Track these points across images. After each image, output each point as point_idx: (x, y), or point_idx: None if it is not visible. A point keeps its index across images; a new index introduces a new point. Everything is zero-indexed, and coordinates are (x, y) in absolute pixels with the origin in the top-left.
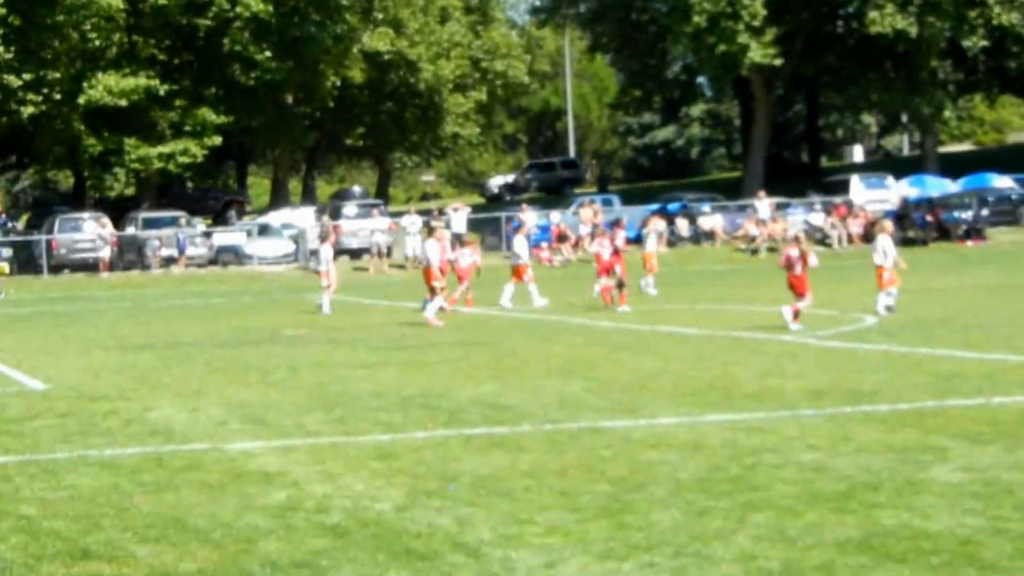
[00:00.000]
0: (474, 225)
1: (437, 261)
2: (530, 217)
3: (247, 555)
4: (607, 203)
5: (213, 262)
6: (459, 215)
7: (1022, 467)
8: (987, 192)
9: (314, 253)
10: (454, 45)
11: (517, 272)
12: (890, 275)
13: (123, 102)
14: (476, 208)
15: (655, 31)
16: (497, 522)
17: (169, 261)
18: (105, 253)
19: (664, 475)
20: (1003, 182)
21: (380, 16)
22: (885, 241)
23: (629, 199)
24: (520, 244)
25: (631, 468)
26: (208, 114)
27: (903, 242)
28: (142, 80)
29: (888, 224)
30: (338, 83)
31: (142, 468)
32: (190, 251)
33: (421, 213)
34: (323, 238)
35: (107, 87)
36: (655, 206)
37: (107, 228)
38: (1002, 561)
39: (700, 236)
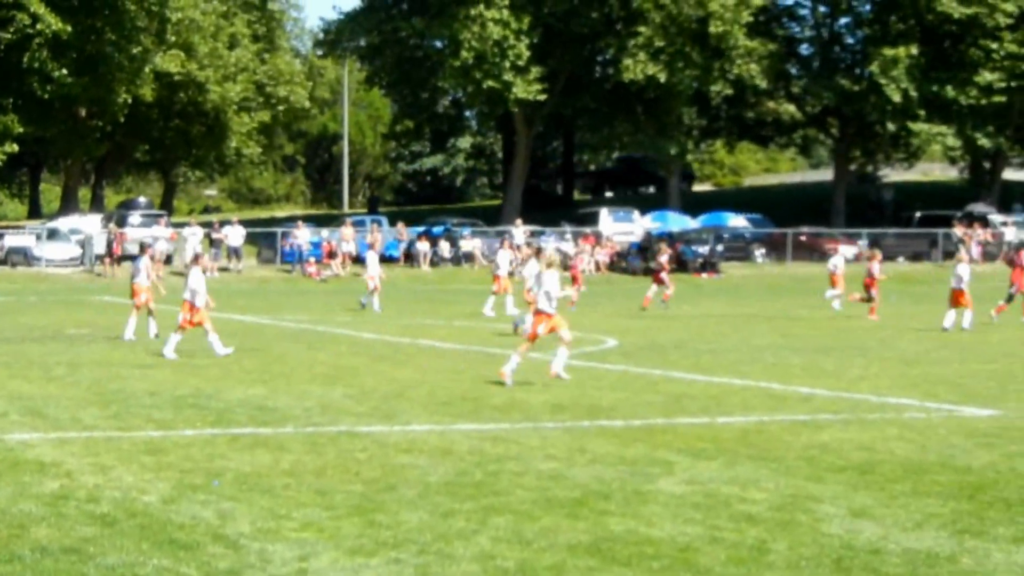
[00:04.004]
0: (251, 239)
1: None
2: (303, 234)
3: (18, 540)
4: (377, 223)
5: (3, 263)
6: (235, 229)
7: (739, 481)
8: (723, 230)
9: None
10: (241, 70)
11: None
12: (968, 298)
13: None
14: (253, 222)
15: (428, 67)
16: (256, 516)
17: None
18: None
19: (414, 478)
20: (738, 221)
21: (172, 39)
22: (963, 269)
23: (397, 221)
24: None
25: (384, 470)
26: (11, 122)
27: (644, 272)
28: None
29: (965, 255)
30: (130, 100)
31: None
32: None
33: (202, 225)
34: (371, 246)
35: None
36: (420, 229)
37: None
38: (716, 567)
39: (461, 258)
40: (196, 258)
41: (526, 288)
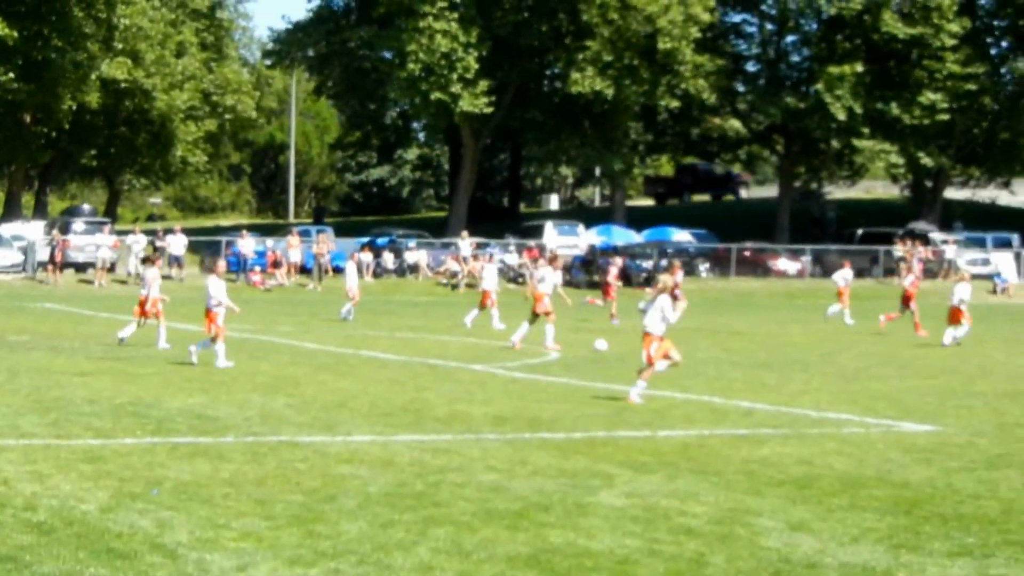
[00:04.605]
0: (195, 247)
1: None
2: (248, 243)
3: None
4: (323, 234)
5: None
6: (177, 238)
7: (679, 495)
8: (667, 244)
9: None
10: (188, 78)
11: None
12: (964, 315)
13: None
14: (197, 231)
15: (376, 78)
16: (195, 526)
17: None
18: None
19: (355, 488)
20: (682, 236)
21: (120, 46)
22: (963, 288)
23: (342, 231)
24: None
25: (324, 480)
26: None
27: (589, 285)
28: None
29: (967, 274)
30: (75, 106)
31: None
32: None
33: (146, 233)
34: (349, 257)
35: None
36: (365, 239)
37: None
38: None
39: (405, 269)
40: (214, 265)
41: (534, 292)
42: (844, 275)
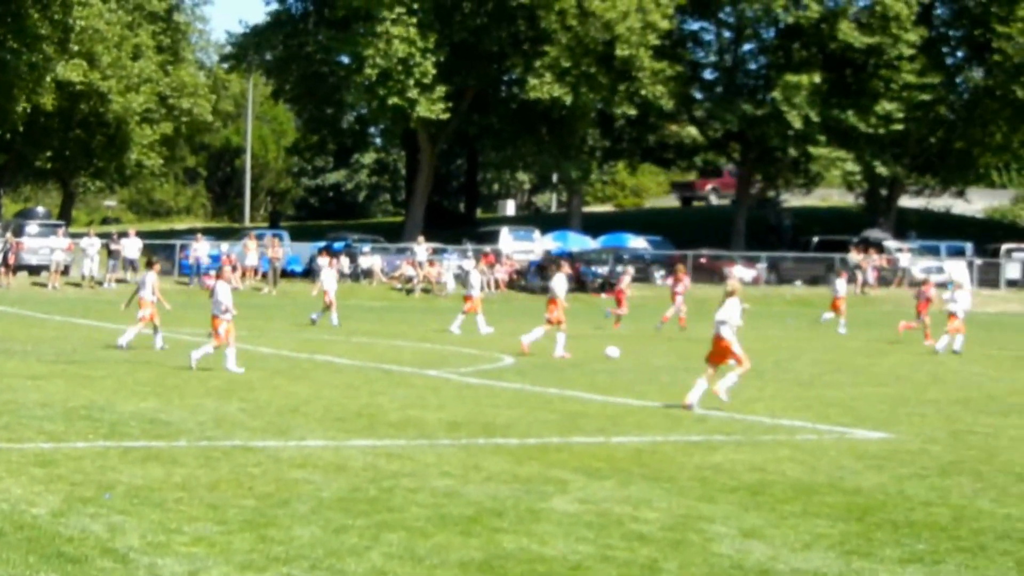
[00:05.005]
0: (150, 250)
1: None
2: (203, 247)
3: None
4: (277, 238)
5: None
6: (131, 241)
7: (632, 501)
8: (623, 251)
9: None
10: (144, 81)
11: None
12: (959, 323)
13: None
14: (152, 234)
15: (333, 82)
16: (147, 530)
17: None
18: None
19: (308, 493)
20: (638, 242)
21: (75, 48)
22: (963, 295)
23: (298, 236)
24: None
25: (277, 485)
26: None
27: (543, 290)
28: None
29: (965, 282)
30: (30, 108)
31: None
32: None
33: (100, 236)
34: (327, 264)
35: None
36: (321, 243)
37: None
38: None
39: (359, 274)
40: (220, 272)
41: (551, 298)
42: (839, 284)
